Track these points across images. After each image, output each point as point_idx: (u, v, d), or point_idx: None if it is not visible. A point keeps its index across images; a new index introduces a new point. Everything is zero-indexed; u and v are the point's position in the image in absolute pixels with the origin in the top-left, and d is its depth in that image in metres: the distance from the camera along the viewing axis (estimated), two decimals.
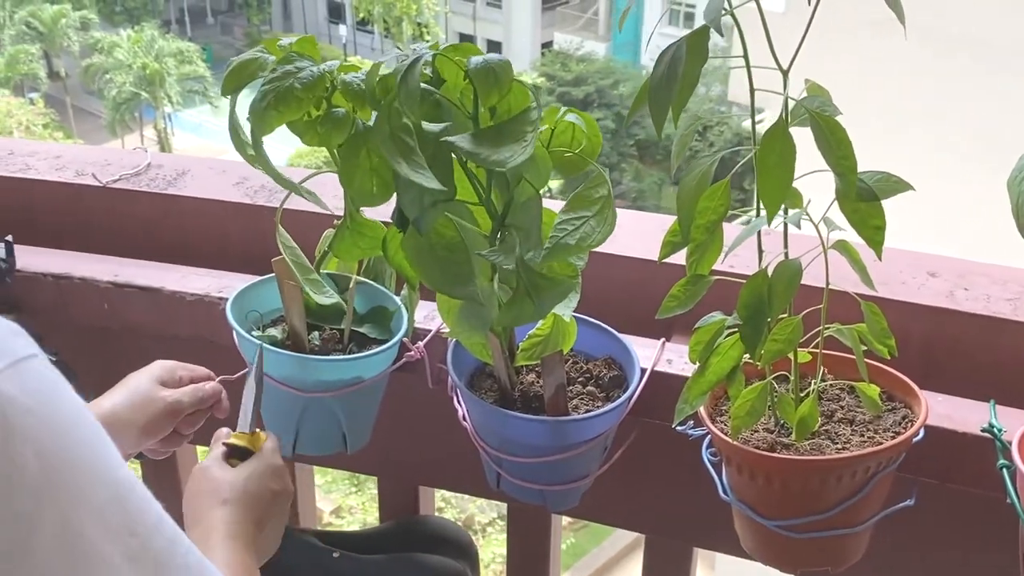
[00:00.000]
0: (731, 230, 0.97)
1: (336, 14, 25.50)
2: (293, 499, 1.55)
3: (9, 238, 1.35)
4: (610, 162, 17.96)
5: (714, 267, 0.96)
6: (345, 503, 11.82)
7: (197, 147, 20.86)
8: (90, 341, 1.44)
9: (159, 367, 1.10)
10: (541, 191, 0.98)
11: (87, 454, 0.59)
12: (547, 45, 22.15)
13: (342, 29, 25.24)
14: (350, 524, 11.56)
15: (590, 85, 18.50)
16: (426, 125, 0.88)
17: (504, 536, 1.52)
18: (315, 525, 1.65)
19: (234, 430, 1.01)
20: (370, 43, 25.18)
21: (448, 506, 10.12)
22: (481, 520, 11.07)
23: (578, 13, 22.70)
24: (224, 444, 0.99)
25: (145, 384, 1.08)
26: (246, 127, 0.98)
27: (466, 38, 23.91)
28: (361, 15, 23.34)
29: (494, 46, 23.50)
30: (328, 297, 1.14)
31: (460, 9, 23.69)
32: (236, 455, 0.98)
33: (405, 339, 1.17)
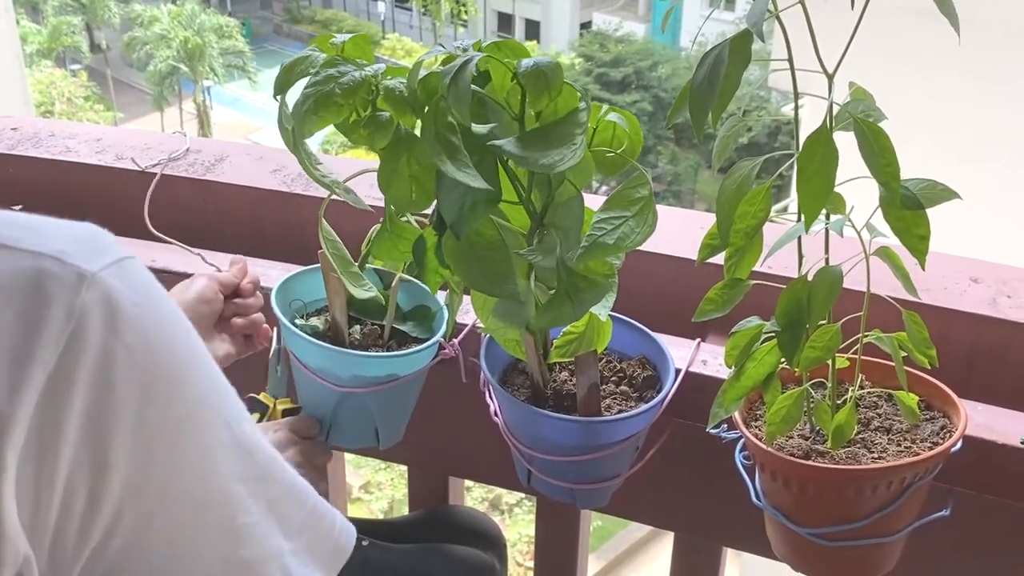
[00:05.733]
0: (770, 229, 0.96)
1: None
2: (323, 482, 1.57)
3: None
4: (646, 145, 17.80)
5: (752, 269, 0.95)
6: (374, 479, 11.92)
7: (234, 121, 21.00)
8: None
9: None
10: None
11: (187, 345, 0.63)
12: (586, 25, 22.01)
13: (381, 6, 25.23)
14: (378, 500, 11.66)
15: (628, 66, 18.38)
16: (475, 128, 0.87)
17: (531, 517, 1.52)
18: (345, 511, 1.66)
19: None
20: (408, 20, 25.16)
21: (475, 484, 10.17)
22: (508, 500, 11.12)
23: None
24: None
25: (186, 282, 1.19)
26: None
27: (504, 17, 23.85)
28: None
29: (532, 25, 23.41)
30: (367, 291, 1.13)
31: None
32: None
33: (441, 339, 1.17)
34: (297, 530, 0.69)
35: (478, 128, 0.88)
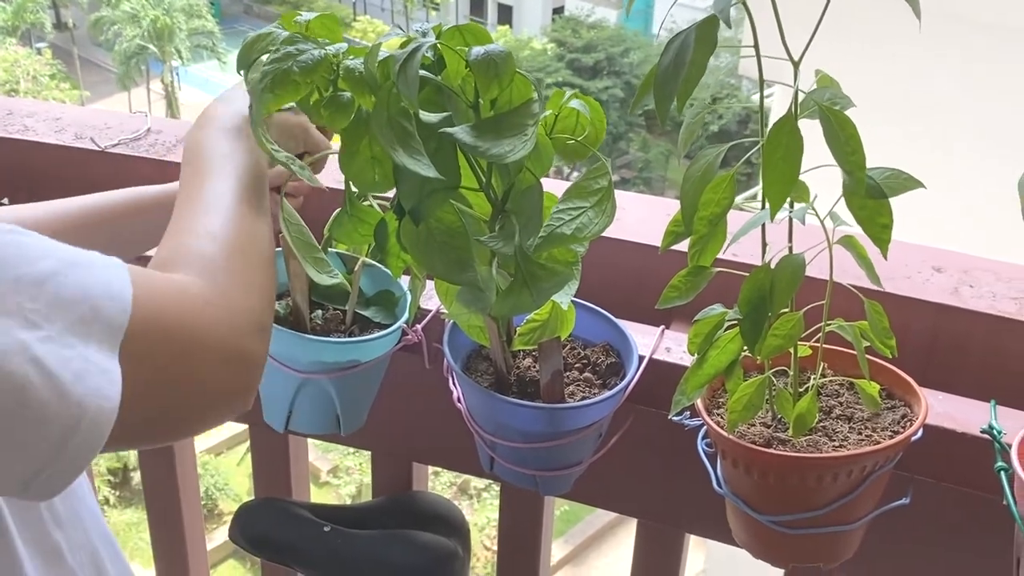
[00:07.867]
0: (735, 216, 0.95)
1: None
2: (285, 468, 1.56)
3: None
4: (618, 131, 17.89)
5: (717, 257, 0.95)
6: (343, 463, 11.91)
7: (203, 102, 20.75)
8: None
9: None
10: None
11: None
12: (558, 11, 21.97)
13: None
14: (347, 484, 11.64)
15: (600, 52, 18.38)
16: (425, 116, 0.86)
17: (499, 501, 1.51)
18: (308, 497, 1.65)
19: None
20: (380, 3, 24.99)
21: (444, 470, 10.18)
22: (477, 485, 11.14)
23: None
24: None
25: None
26: None
27: (477, 0, 23.72)
28: None
29: (505, 10, 23.34)
30: (331, 278, 1.12)
31: None
32: None
33: (405, 324, 1.15)
34: (46, 315, 0.66)
35: (427, 116, 0.86)
